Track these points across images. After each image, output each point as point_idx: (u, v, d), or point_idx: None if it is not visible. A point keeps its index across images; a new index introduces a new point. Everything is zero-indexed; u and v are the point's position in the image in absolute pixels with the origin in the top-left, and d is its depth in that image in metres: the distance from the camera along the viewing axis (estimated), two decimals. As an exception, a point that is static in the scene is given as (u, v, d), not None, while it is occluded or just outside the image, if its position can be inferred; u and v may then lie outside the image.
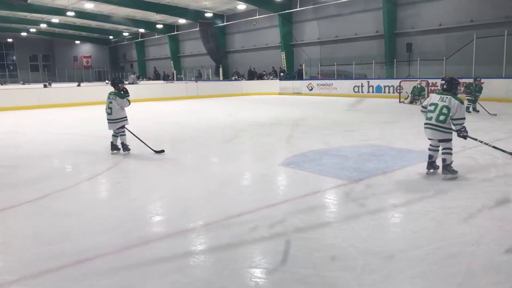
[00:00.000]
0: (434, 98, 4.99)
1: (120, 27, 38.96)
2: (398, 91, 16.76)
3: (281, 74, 24.99)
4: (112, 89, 6.97)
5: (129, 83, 21.87)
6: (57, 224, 3.75)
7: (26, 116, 13.89)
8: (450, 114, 4.76)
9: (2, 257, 3.15)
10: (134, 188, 5.12)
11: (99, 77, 40.90)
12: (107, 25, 38.40)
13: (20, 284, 2.71)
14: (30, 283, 2.73)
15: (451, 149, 4.91)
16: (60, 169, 6.35)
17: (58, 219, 3.90)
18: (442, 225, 3.52)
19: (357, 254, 3.00)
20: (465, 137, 4.98)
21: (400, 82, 16.84)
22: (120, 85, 6.95)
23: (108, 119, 6.82)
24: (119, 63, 49.38)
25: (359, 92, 19.77)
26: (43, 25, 36.90)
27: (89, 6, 28.10)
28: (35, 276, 2.79)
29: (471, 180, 4.84)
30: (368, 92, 19.39)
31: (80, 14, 30.52)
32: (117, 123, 6.78)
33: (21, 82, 34.11)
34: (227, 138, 8.62)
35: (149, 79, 30.18)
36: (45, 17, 33.16)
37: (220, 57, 31.04)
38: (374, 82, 19.35)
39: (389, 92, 18.45)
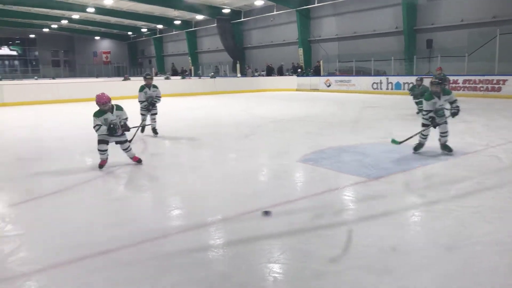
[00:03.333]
0: None
1: (139, 23, 39.35)
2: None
3: (298, 70, 24.86)
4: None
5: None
6: (78, 216, 3.82)
7: (46, 110, 14.16)
8: None
9: (26, 247, 3.22)
10: (152, 182, 5.17)
11: (118, 73, 41.42)
12: (126, 21, 38.84)
13: (44, 274, 2.77)
14: (53, 273, 2.78)
15: None
16: (80, 162, 6.46)
17: (80, 211, 3.97)
18: (465, 224, 3.45)
19: (377, 252, 2.97)
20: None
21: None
22: (148, 80, 7.90)
23: None
24: (137, 58, 49.90)
25: (378, 89, 19.53)
26: (64, 21, 37.57)
27: (109, 3, 28.47)
28: (58, 265, 2.85)
29: (494, 180, 4.73)
30: (387, 89, 19.12)
31: (100, 10, 30.94)
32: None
33: (35, 77, 34.65)
34: (244, 134, 8.63)
35: (167, 75, 30.47)
36: (66, 13, 33.71)
37: (237, 53, 31.07)
38: (393, 79, 19.07)
39: (408, 89, 18.15)
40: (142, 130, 8.03)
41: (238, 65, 28.51)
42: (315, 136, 8.08)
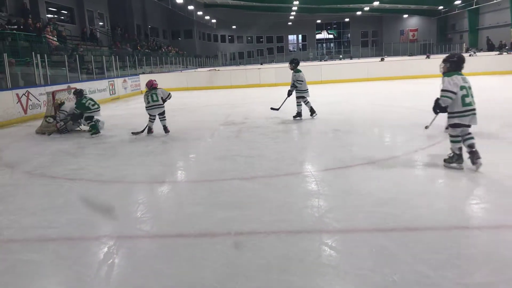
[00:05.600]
0: (458, 80, 4.37)
1: (452, -5, 36.44)
2: None
3: None
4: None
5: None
6: (384, 189, 4.03)
7: (356, 88, 15.39)
8: None
9: (339, 207, 3.70)
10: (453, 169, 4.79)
11: (423, 50, 40.23)
12: (438, -5, 36.76)
13: (350, 233, 3.13)
14: (352, 236, 3.10)
15: None
16: (379, 140, 6.79)
17: (384, 184, 4.19)
18: None
19: None
20: None
21: None
22: None
23: None
24: (446, 34, 46.72)
25: None
26: (376, 3, 39.29)
27: (422, -23, 27.59)
28: (360, 231, 3.16)
29: None
30: None
31: (412, -14, 30.51)
32: None
33: (340, 57, 38.18)
34: None
35: (481, 50, 27.09)
36: (379, -6, 35.12)
37: None
38: None
39: None
40: None
41: None
42: None
